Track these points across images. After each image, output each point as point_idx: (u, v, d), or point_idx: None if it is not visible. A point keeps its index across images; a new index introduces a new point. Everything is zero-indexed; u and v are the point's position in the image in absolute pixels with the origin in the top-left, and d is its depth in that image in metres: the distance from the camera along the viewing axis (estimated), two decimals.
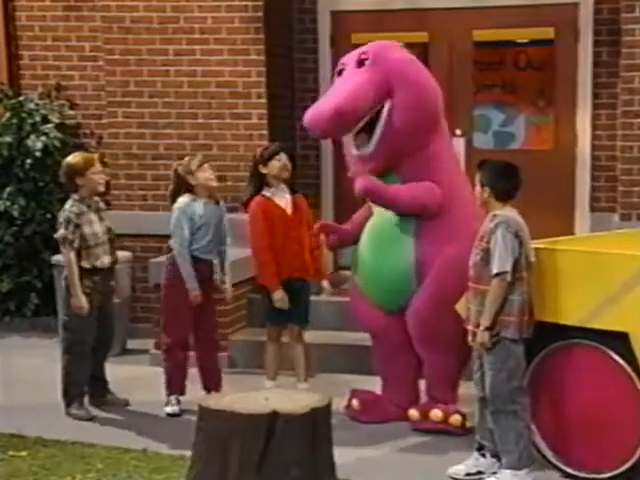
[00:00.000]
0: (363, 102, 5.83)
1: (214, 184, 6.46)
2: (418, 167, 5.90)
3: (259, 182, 6.45)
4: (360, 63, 5.95)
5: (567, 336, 5.22)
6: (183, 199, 6.37)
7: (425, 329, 5.91)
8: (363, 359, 6.73)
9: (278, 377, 6.62)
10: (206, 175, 6.39)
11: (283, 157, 6.43)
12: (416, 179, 5.88)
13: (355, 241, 6.21)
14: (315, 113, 5.91)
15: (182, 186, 6.39)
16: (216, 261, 6.55)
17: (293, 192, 6.53)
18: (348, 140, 6.07)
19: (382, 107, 5.87)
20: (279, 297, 6.36)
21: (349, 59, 6.10)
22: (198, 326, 6.51)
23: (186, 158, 6.53)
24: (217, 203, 6.52)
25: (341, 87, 5.93)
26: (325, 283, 6.62)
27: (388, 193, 5.87)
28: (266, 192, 6.44)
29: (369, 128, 5.92)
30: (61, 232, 6.38)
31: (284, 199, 6.46)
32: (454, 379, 6.05)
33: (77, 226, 6.34)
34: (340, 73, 6.10)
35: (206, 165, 6.43)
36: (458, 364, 5.94)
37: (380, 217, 6.06)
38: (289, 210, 6.44)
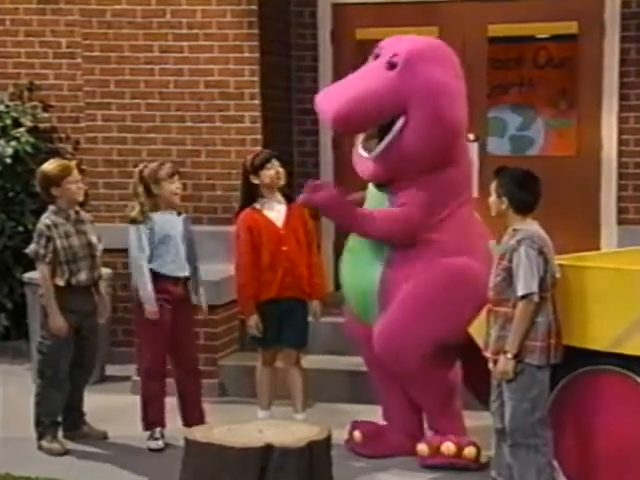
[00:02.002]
0: (373, 111, 5.83)
1: (177, 200, 6.42)
2: (412, 191, 5.88)
3: (250, 193, 6.44)
4: (390, 64, 5.90)
5: (593, 362, 5.18)
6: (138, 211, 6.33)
7: (387, 355, 5.94)
8: (366, 386, 6.68)
9: (273, 406, 6.58)
10: (172, 188, 6.36)
11: (275, 164, 6.41)
12: (404, 202, 5.90)
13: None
14: (324, 105, 5.95)
15: (144, 191, 6.34)
16: (190, 279, 6.50)
17: (289, 201, 6.50)
18: (358, 139, 6.13)
19: (396, 119, 5.85)
20: (252, 323, 6.39)
21: (387, 49, 6.01)
22: (175, 351, 6.47)
23: (155, 163, 6.51)
24: (179, 214, 6.46)
25: (359, 83, 5.91)
26: (316, 304, 6.56)
27: (352, 219, 5.96)
28: (257, 204, 6.42)
29: (380, 132, 5.95)
30: (32, 247, 6.36)
31: (276, 211, 6.44)
32: (445, 410, 6.02)
33: (49, 239, 6.30)
34: (376, 57, 6.06)
35: (176, 176, 6.40)
36: (441, 394, 5.98)
37: None
38: (280, 223, 6.42)
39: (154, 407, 6.42)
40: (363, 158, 6.04)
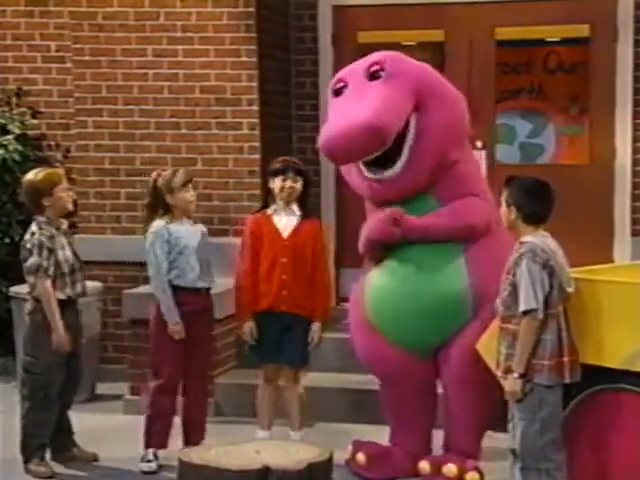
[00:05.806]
0: (398, 116, 5.71)
1: (193, 207, 6.47)
2: (454, 184, 5.88)
3: (266, 196, 6.54)
4: (372, 76, 5.85)
5: (607, 380, 5.15)
6: (157, 222, 6.34)
7: (476, 365, 5.70)
8: (369, 405, 6.66)
9: (273, 426, 6.54)
10: (187, 197, 6.38)
11: (289, 176, 6.36)
12: (455, 197, 5.87)
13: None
14: (338, 132, 5.68)
15: (159, 202, 6.37)
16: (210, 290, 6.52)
17: (305, 216, 6.46)
18: (354, 165, 5.97)
19: (407, 123, 5.80)
20: (246, 329, 6.40)
21: (350, 75, 5.98)
22: (189, 368, 6.43)
23: (169, 171, 6.51)
24: (195, 223, 6.49)
25: (360, 104, 5.72)
26: (316, 326, 6.45)
27: (425, 224, 5.86)
28: (269, 209, 6.46)
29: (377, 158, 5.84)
30: (34, 260, 6.25)
31: (286, 220, 6.43)
32: (484, 427, 6.00)
33: (51, 251, 6.27)
34: (339, 92, 5.95)
35: (190, 184, 6.42)
36: (495, 409, 5.86)
37: (410, 245, 5.94)
38: (286, 233, 6.40)
39: (160, 425, 6.37)
40: (377, 180, 5.88)
